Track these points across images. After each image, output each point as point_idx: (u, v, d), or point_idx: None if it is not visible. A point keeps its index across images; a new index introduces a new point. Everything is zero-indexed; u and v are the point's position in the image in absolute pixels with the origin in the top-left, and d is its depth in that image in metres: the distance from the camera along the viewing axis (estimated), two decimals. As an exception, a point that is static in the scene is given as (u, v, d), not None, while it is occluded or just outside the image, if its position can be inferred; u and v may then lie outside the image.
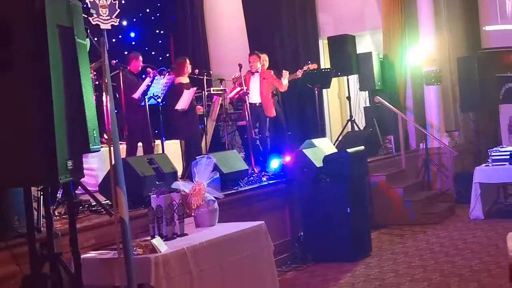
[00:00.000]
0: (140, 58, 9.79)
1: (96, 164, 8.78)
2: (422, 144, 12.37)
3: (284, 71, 10.72)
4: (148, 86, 9.02)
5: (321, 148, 8.88)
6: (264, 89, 10.55)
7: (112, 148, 4.10)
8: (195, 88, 9.90)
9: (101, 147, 4.89)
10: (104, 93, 4.36)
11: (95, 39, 7.32)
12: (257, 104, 10.47)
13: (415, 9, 12.63)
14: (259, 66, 10.55)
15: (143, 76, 9.55)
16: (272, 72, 10.86)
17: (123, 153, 9.05)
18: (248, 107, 9.69)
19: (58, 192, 6.08)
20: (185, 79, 9.99)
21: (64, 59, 3.79)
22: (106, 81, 4.10)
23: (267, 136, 10.62)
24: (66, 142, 3.75)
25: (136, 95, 9.06)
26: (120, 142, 9.67)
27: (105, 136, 8.47)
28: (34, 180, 3.76)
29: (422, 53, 12.16)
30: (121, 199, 4.03)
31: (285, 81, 10.55)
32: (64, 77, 3.77)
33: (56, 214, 5.99)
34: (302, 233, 8.44)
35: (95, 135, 4.18)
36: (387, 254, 8.31)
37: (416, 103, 12.66)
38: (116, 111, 9.90)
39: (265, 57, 11.16)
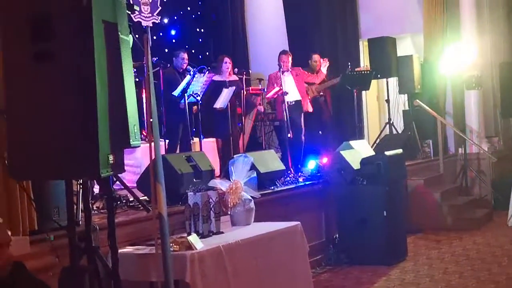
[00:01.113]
0: (185, 55, 9.81)
1: (135, 160, 8.83)
2: (461, 149, 12.24)
3: (323, 59, 10.69)
4: (188, 84, 9.05)
5: (359, 150, 8.84)
6: (299, 86, 10.51)
7: (152, 143, 4.12)
8: (234, 87, 9.92)
9: (141, 143, 4.94)
10: (144, 89, 4.36)
11: (136, 36, 7.39)
12: (293, 103, 10.40)
13: (457, 12, 12.50)
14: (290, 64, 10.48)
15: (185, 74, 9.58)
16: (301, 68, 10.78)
17: (162, 150, 9.11)
18: (286, 107, 9.66)
19: (95, 187, 6.15)
20: (222, 77, 10.02)
21: (108, 55, 3.82)
22: (149, 77, 4.12)
23: (303, 134, 10.53)
24: (108, 137, 3.78)
25: (176, 92, 9.10)
26: (159, 139, 9.80)
27: (144, 133, 8.56)
28: (76, 173, 3.79)
29: (463, 57, 12.01)
30: (160, 195, 4.06)
31: (324, 69, 10.52)
32: (107, 72, 3.81)
33: (95, 208, 6.06)
34: (337, 235, 8.41)
35: (135, 130, 4.21)
36: (423, 259, 8.25)
37: (455, 108, 12.53)
38: (156, 108, 10.06)
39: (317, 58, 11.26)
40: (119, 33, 4.09)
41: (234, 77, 10.30)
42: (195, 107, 9.68)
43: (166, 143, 9.47)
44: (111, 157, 3.80)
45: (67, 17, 3.62)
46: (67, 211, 4.03)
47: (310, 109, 10.63)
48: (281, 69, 10.06)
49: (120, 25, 4.10)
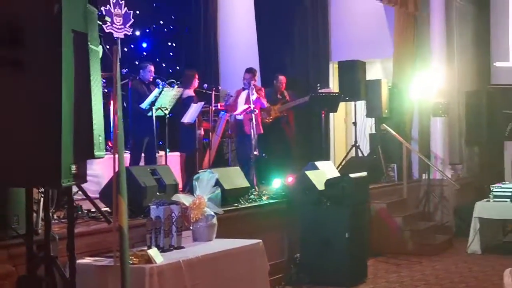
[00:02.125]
0: (152, 68, 9.81)
1: (99, 171, 8.77)
2: (424, 175, 12.35)
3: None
4: (156, 97, 9.03)
5: (324, 171, 8.88)
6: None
7: (116, 155, 4.10)
8: (202, 103, 9.93)
9: (106, 154, 4.91)
10: (112, 101, 4.35)
11: (107, 46, 7.36)
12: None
13: (427, 39, 12.66)
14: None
15: (153, 86, 9.56)
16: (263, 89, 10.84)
17: (126, 162, 9.07)
18: (253, 125, 9.67)
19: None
20: (192, 93, 10.05)
21: (76, 64, 3.80)
22: (117, 88, 4.11)
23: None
24: (71, 146, 3.76)
25: (144, 105, 9.08)
26: (124, 151, 9.75)
27: (110, 144, 8.51)
28: (37, 181, 3.76)
29: (431, 84, 12.15)
30: (122, 208, 4.04)
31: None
32: (74, 82, 3.79)
33: (55, 217, 6.00)
34: (299, 254, 8.41)
35: (100, 141, 4.20)
36: (382, 282, 8.29)
37: (421, 134, 12.66)
38: (122, 119, 10.01)
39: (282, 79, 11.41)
40: (89, 43, 4.09)
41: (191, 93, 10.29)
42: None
43: (131, 155, 9.43)
44: (73, 167, 3.78)
45: (36, 24, 3.59)
46: (26, 220, 3.99)
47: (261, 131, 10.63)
48: (248, 87, 10.12)
49: (90, 35, 4.09)
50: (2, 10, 3.66)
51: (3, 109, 3.68)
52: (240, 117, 10.30)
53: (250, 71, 10.50)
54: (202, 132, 10.63)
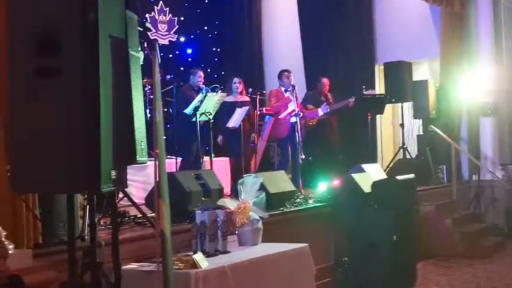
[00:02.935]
0: (201, 73, 9.86)
1: (145, 177, 8.84)
2: (475, 176, 12.16)
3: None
4: (200, 102, 9.07)
5: (371, 174, 8.78)
6: None
7: (157, 161, 4.11)
8: (247, 107, 9.94)
9: (149, 159, 4.93)
10: (151, 106, 4.37)
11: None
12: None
13: (474, 38, 12.48)
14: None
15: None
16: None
17: (172, 168, 9.11)
18: (298, 128, 9.63)
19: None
20: (231, 98, 10.08)
21: (115, 70, 3.82)
22: (156, 93, 4.12)
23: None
24: (111, 152, 3.77)
25: (188, 110, 9.12)
26: (170, 156, 9.83)
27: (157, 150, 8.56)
28: (77, 187, 3.79)
29: (479, 84, 11.97)
30: (163, 213, 4.04)
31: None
32: (114, 88, 3.81)
33: (102, 223, 6.06)
34: (346, 258, 8.33)
35: (142, 147, 4.21)
36: (432, 285, 8.17)
37: (470, 134, 12.47)
38: (168, 125, 10.06)
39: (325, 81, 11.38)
40: (129, 49, 4.11)
41: (245, 98, 10.30)
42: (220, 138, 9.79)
43: (179, 160, 9.47)
44: (113, 173, 3.79)
45: (73, 32, 3.60)
46: (67, 226, 4.03)
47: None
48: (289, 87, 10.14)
49: (130, 41, 4.12)
50: (40, 19, 3.69)
51: (43, 117, 3.70)
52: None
53: (286, 70, 10.53)
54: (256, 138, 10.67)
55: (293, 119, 9.90)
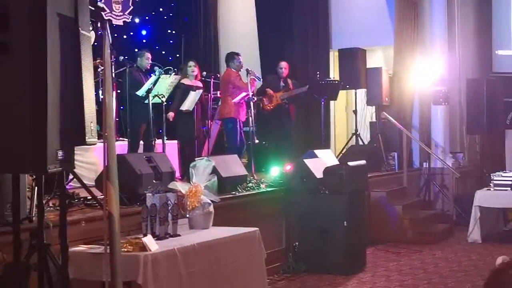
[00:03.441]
0: (149, 55, 9.77)
1: (96, 158, 8.74)
2: (425, 163, 12.31)
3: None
4: (153, 85, 8.98)
5: (323, 160, 8.83)
6: None
7: (107, 143, 4.06)
8: (201, 90, 9.88)
9: (100, 141, 4.86)
10: (102, 87, 4.31)
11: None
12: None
13: (428, 27, 12.60)
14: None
15: (150, 74, 9.52)
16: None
17: (124, 150, 9.03)
18: (252, 112, 9.63)
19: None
20: (191, 81, 10.00)
21: (63, 49, 3.75)
22: (107, 74, 4.06)
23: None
24: (58, 132, 3.71)
25: (140, 92, 9.03)
26: (122, 138, 9.73)
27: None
28: (22, 167, 3.72)
29: (432, 72, 12.09)
30: (112, 195, 4.00)
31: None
32: (62, 67, 3.74)
33: (51, 205, 5.98)
34: (297, 243, 8.38)
35: (92, 128, 4.15)
36: (381, 271, 8.26)
37: (422, 122, 12.61)
38: (122, 107, 9.94)
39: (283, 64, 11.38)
40: (79, 28, 4.03)
41: (198, 82, 10.23)
42: (171, 114, 9.70)
43: (129, 142, 9.39)
44: (60, 153, 3.73)
45: (20, 8, 3.54)
46: (12, 206, 3.96)
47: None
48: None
49: (81, 20, 4.04)
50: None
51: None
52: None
53: (236, 53, 10.54)
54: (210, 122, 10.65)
55: None
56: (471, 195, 10.27)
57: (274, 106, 11.15)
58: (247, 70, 9.98)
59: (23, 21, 3.54)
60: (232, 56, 10.55)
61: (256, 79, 10.03)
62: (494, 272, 2.39)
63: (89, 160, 8.71)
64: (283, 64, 11.37)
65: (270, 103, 11.14)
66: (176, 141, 10.11)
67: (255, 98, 10.16)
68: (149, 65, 9.62)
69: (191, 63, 10.22)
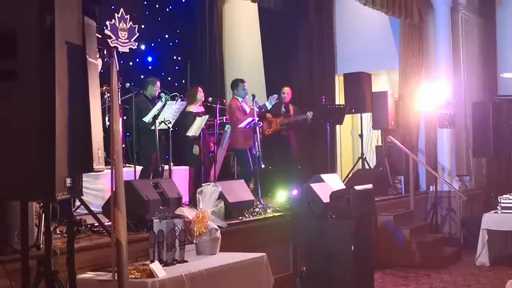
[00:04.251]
0: (158, 83, 9.83)
1: (104, 185, 8.76)
2: (432, 187, 12.29)
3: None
4: (159, 111, 9.01)
5: (329, 184, 8.81)
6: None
7: (114, 170, 4.07)
8: (207, 116, 9.91)
9: (107, 168, 4.88)
10: (111, 114, 4.33)
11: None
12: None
13: (433, 50, 12.65)
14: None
15: (157, 100, 9.55)
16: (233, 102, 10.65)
17: (131, 176, 9.04)
18: (258, 138, 9.65)
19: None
20: (197, 107, 10.04)
21: (71, 76, 3.78)
22: (114, 101, 4.09)
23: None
24: (66, 160, 3.73)
25: (146, 118, 9.06)
26: (129, 165, 9.74)
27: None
28: (31, 194, 3.73)
29: (438, 95, 12.11)
30: (119, 221, 4.01)
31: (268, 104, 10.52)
32: (70, 94, 3.77)
33: (58, 232, 5.98)
34: (304, 268, 8.34)
35: (99, 155, 4.17)
36: (389, 296, 8.23)
37: (428, 145, 12.61)
38: (128, 134, 9.96)
39: (286, 90, 11.44)
40: (87, 56, 4.07)
41: (201, 108, 10.27)
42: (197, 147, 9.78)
43: (138, 169, 9.40)
44: (68, 180, 3.75)
45: (29, 35, 3.57)
46: (20, 234, 3.96)
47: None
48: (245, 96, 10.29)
49: (88, 48, 4.08)
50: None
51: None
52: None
53: (241, 80, 10.60)
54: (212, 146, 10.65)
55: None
56: (479, 218, 10.23)
57: (273, 131, 11.20)
58: (253, 95, 10.00)
59: (31, 48, 3.57)
60: (236, 84, 10.60)
61: (257, 108, 10.02)
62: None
63: (96, 186, 8.72)
64: (286, 89, 11.45)
65: (269, 128, 11.19)
66: (184, 167, 10.14)
67: (261, 124, 10.19)
68: (158, 92, 9.67)
69: (200, 89, 10.30)
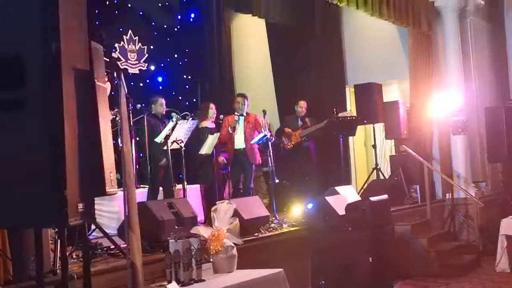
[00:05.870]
0: (163, 101, 9.86)
1: (117, 207, 8.77)
2: (448, 194, 12.21)
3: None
4: (171, 131, 9.04)
5: (344, 196, 8.80)
6: (248, 134, 10.41)
7: (127, 192, 4.08)
8: (218, 134, 9.93)
9: (121, 190, 4.88)
10: (121, 137, 4.34)
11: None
12: (241, 150, 10.42)
13: (442, 57, 12.60)
14: (242, 108, 10.51)
15: (167, 120, 9.58)
16: (258, 117, 10.55)
17: (144, 197, 9.05)
18: (271, 153, 9.64)
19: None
20: (209, 124, 10.06)
21: (80, 101, 3.80)
22: (123, 124, 4.10)
23: (251, 188, 10.42)
24: (78, 185, 3.74)
25: (158, 139, 9.08)
26: (142, 185, 9.76)
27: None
28: (43, 221, 3.74)
29: (449, 103, 12.06)
30: (134, 244, 4.01)
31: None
32: (80, 119, 3.79)
33: (75, 256, 5.99)
34: (323, 281, 8.30)
35: (111, 178, 4.18)
36: (410, 306, 8.17)
37: (442, 153, 12.54)
38: (141, 155, 10.00)
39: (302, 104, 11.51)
40: (95, 80, 4.09)
41: (213, 125, 10.31)
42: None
43: (149, 189, 9.43)
44: (80, 205, 3.75)
45: (35, 63, 3.58)
46: (35, 261, 3.97)
47: (257, 161, 10.60)
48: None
49: (96, 72, 4.10)
50: (1, 51, 3.65)
51: (7, 150, 3.66)
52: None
53: (241, 95, 10.63)
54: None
55: None
56: (497, 224, 10.14)
57: (294, 145, 11.22)
58: (263, 111, 9.99)
59: (38, 76, 3.58)
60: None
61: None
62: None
63: (111, 209, 8.75)
64: (302, 103, 11.52)
65: (290, 142, 11.24)
66: (197, 186, 10.14)
67: (273, 139, 10.19)
68: (165, 110, 9.71)
69: (212, 105, 10.35)
